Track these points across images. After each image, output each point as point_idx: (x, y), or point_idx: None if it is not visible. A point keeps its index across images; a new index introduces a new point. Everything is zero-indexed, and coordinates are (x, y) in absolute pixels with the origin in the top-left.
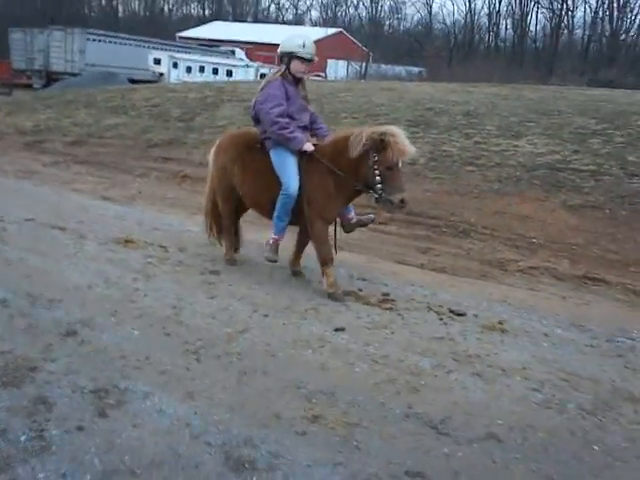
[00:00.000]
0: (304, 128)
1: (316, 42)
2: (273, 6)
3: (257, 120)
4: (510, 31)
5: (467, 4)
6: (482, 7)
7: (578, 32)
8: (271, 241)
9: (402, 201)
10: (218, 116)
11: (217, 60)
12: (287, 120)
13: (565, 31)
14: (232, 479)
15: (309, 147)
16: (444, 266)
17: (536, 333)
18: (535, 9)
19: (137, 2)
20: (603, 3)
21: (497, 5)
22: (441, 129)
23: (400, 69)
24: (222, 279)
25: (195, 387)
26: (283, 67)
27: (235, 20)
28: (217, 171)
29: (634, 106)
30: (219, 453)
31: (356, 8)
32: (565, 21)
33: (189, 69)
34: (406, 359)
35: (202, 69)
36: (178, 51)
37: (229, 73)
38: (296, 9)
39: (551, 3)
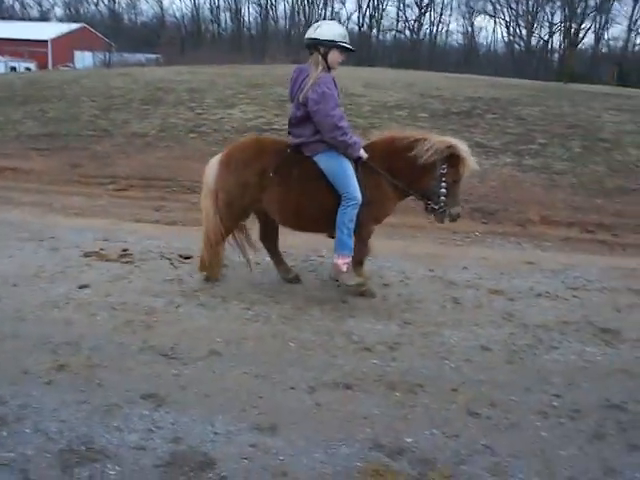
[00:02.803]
0: None
1: (62, 37)
2: (17, 4)
3: (300, 121)
4: (229, 22)
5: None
6: (205, 2)
7: (282, 22)
8: (345, 267)
9: (458, 215)
10: None
11: None
12: (347, 124)
13: (272, 21)
14: None
15: (364, 154)
16: (176, 220)
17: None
18: (247, 4)
19: None
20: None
21: (216, 1)
22: (169, 105)
23: (140, 56)
24: None
25: None
26: (319, 57)
27: None
28: (234, 188)
29: None
30: None
31: (96, 5)
32: (271, 13)
33: None
34: (141, 302)
35: None
36: None
37: None
38: (40, 6)
39: None
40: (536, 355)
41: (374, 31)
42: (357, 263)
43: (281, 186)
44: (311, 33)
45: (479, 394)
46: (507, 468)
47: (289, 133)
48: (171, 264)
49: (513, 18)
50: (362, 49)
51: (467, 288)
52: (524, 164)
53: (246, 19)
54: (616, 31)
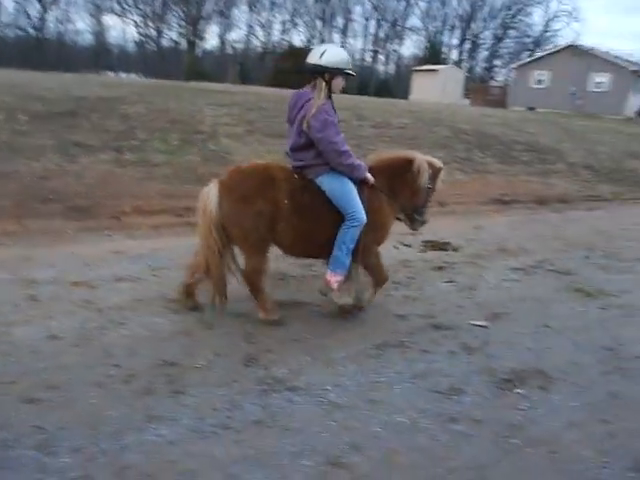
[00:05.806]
0: None
1: None
2: None
3: (303, 147)
4: None
5: None
6: None
7: None
8: (335, 285)
9: (428, 219)
10: None
11: None
12: (348, 147)
13: None
14: None
15: (371, 178)
16: None
17: None
18: None
19: None
20: None
21: None
22: None
23: None
24: None
25: None
26: (323, 84)
27: None
28: (247, 220)
29: None
30: None
31: None
32: None
33: None
34: None
35: None
36: None
37: None
38: None
39: None
40: (104, 334)
41: None
42: (378, 284)
43: (295, 214)
44: (315, 59)
45: (39, 380)
46: (53, 440)
47: (288, 156)
48: None
49: (142, 19)
50: None
51: (48, 284)
52: (123, 159)
53: None
54: (238, 35)
